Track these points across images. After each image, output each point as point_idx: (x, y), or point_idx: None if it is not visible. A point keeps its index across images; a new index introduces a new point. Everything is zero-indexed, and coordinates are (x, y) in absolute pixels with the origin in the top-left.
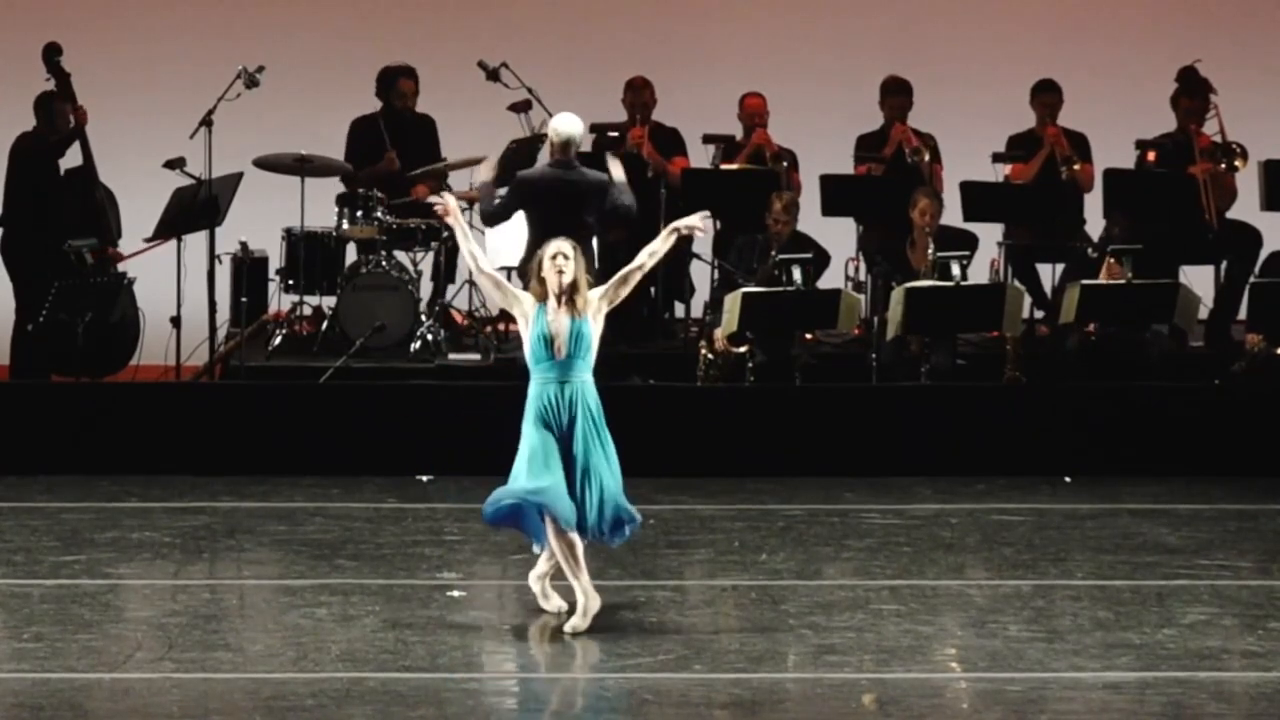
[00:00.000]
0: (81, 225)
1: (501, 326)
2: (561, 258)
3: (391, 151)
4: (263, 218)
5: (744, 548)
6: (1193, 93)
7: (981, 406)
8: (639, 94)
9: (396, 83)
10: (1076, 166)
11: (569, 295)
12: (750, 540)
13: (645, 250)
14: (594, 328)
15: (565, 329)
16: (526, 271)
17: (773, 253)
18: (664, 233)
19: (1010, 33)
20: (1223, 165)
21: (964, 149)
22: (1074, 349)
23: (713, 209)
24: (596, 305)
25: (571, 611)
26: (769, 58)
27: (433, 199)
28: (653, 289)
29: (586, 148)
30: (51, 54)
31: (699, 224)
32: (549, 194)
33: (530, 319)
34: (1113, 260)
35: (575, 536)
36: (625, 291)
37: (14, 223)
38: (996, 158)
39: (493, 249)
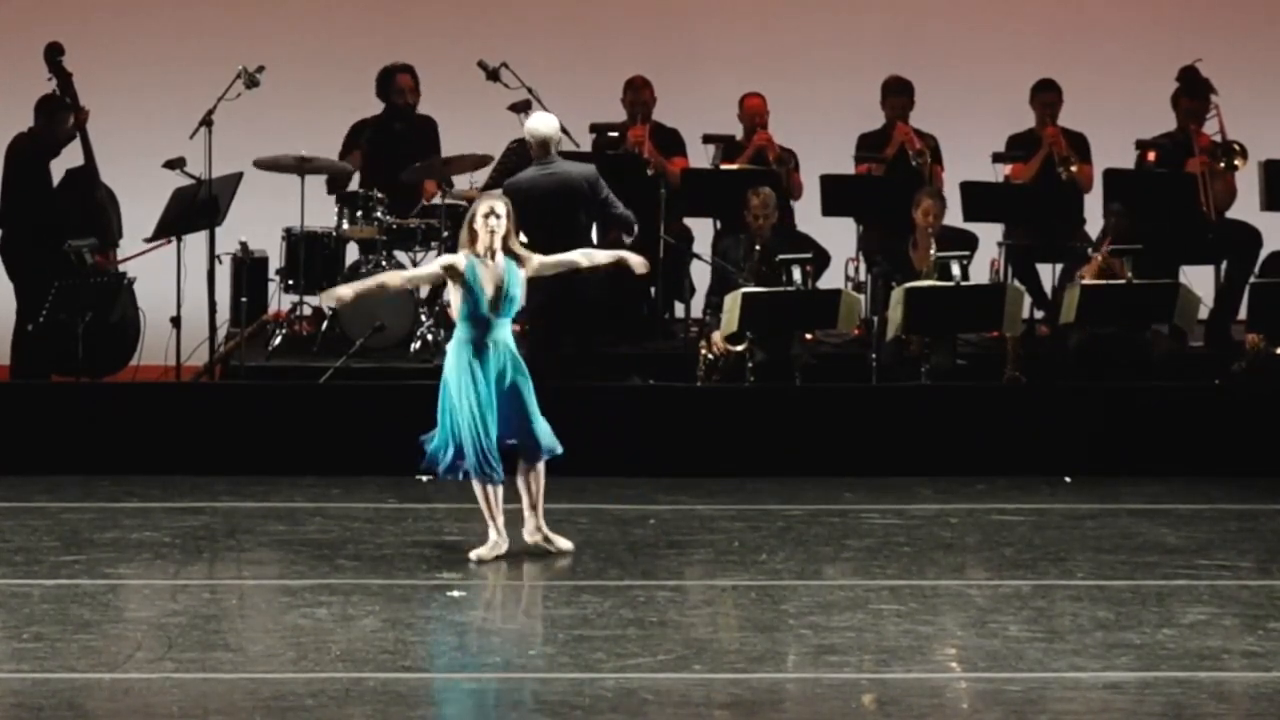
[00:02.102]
0: (82, 225)
1: None
2: (494, 217)
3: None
4: (263, 218)
5: (744, 548)
6: (1193, 93)
7: (981, 406)
8: (639, 93)
9: (394, 79)
10: (1074, 168)
11: (499, 251)
12: (750, 540)
13: (584, 253)
14: (521, 291)
15: (497, 286)
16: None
17: (756, 249)
18: (611, 254)
19: (1010, 33)
20: (1222, 164)
21: (964, 149)
22: (1074, 349)
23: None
24: (527, 271)
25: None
26: (769, 58)
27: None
28: (653, 289)
29: (586, 147)
30: (53, 54)
31: (640, 268)
32: (538, 197)
33: (464, 273)
34: (1104, 254)
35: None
36: (548, 274)
37: (14, 223)
38: (996, 158)
39: None
